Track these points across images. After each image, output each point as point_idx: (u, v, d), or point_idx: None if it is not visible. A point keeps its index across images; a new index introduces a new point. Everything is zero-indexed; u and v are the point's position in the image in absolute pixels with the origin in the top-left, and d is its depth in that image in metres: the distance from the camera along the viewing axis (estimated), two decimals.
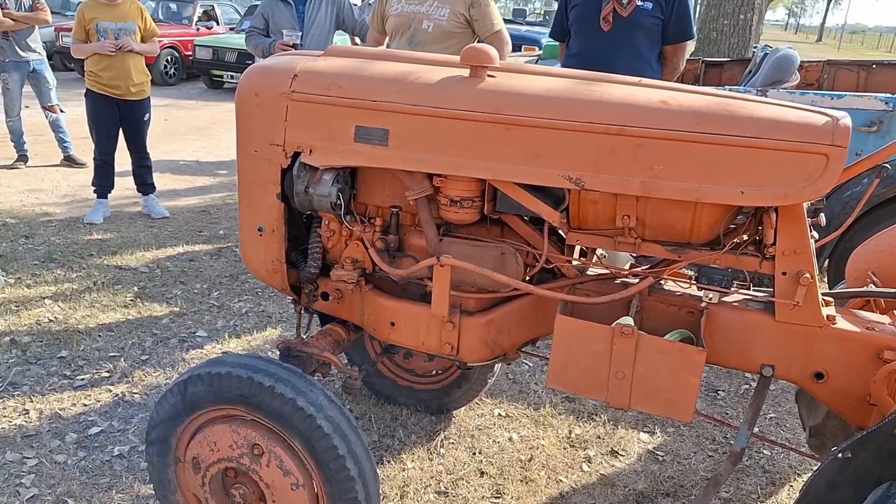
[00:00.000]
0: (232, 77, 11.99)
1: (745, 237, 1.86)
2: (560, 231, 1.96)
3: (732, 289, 1.86)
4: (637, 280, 1.97)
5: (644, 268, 2.03)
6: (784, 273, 1.78)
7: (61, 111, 6.78)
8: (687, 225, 1.81)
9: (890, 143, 1.87)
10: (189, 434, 1.93)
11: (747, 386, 3.33)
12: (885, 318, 1.87)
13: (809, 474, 2.52)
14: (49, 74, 6.55)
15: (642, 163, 1.71)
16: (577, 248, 2.08)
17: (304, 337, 2.35)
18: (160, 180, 6.34)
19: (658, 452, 2.81)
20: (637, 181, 1.72)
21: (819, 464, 2.48)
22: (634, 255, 1.94)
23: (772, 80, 4.36)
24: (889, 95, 4.03)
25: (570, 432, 2.90)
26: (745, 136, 1.66)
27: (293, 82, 1.96)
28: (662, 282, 1.96)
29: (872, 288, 2.04)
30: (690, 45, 3.65)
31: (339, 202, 1.97)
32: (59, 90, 6.97)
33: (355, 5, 4.83)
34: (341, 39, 5.16)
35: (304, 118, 1.97)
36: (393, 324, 2.08)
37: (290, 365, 1.88)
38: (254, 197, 2.10)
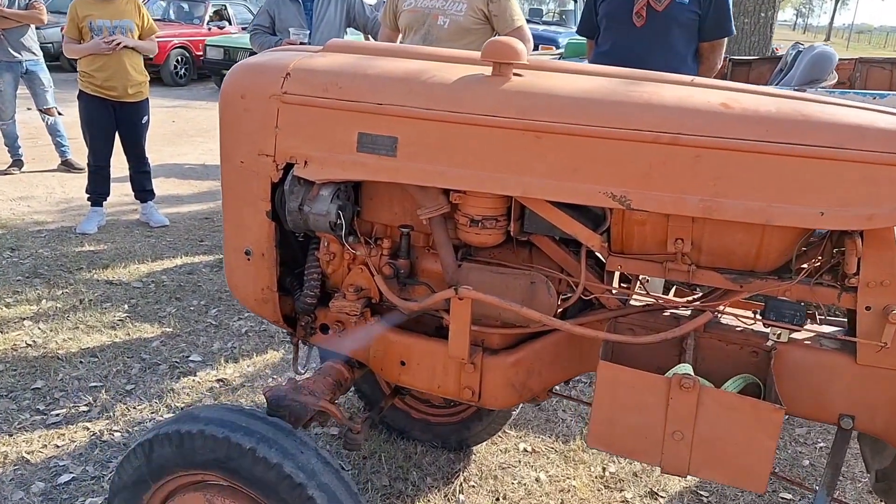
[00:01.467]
0: None
1: (819, 263, 1.57)
2: (599, 255, 1.67)
3: (805, 325, 1.57)
4: (688, 312, 1.69)
5: (696, 297, 1.74)
6: (868, 308, 1.49)
7: (59, 114, 6.56)
8: (752, 250, 1.52)
9: None
10: (158, 502, 1.66)
11: (802, 429, 3.01)
12: None
13: None
14: (45, 76, 6.33)
15: (701, 178, 1.43)
16: (617, 275, 1.79)
17: (299, 377, 2.08)
18: (163, 185, 6.12)
19: (702, 493, 2.52)
20: (694, 200, 1.44)
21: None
22: (684, 283, 1.66)
23: (809, 78, 4.06)
24: None
25: (604, 470, 2.61)
26: (826, 145, 1.37)
27: (285, 82, 1.69)
28: (718, 315, 1.67)
29: None
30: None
31: (339, 222, 1.70)
32: (58, 91, 6.76)
33: (369, 4, 4.55)
34: (354, 38, 4.89)
35: (297, 124, 1.70)
36: (403, 363, 1.81)
37: (278, 419, 1.60)
38: (240, 215, 1.83)
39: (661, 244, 1.56)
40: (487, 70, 1.60)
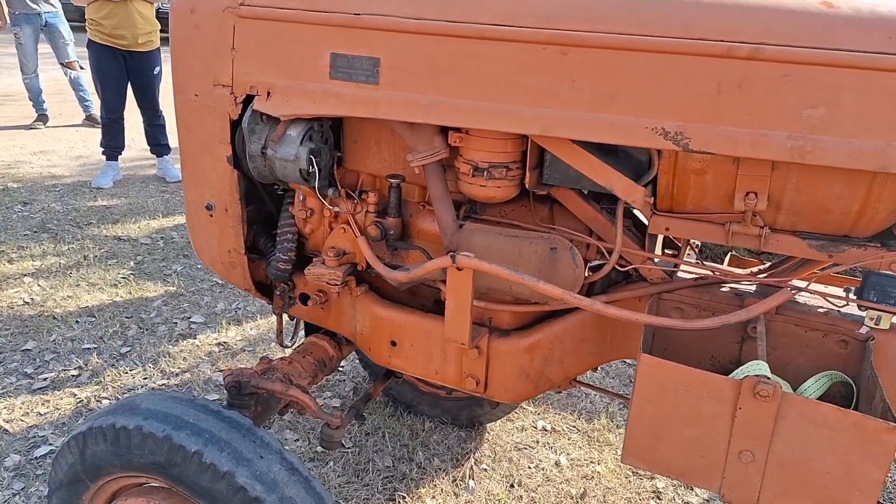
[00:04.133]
0: None
1: None
2: (640, 214, 1.24)
3: None
4: (754, 288, 1.25)
5: (766, 267, 1.30)
6: None
7: (81, 68, 6.20)
8: (852, 208, 1.07)
9: None
10: (102, 502, 1.31)
11: None
12: None
13: None
14: (65, 28, 5.95)
15: (791, 106, 0.98)
16: (660, 239, 1.35)
17: (291, 345, 1.70)
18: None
19: None
20: (781, 137, 0.99)
21: None
22: (752, 251, 1.21)
23: None
24: None
25: None
26: None
27: None
28: (797, 293, 1.23)
29: None
30: None
31: (312, 169, 1.29)
32: (80, 47, 6.39)
33: None
34: None
35: (257, 44, 1.28)
36: (394, 343, 1.40)
37: (235, 412, 1.22)
38: (199, 162, 1.43)
39: (727, 199, 1.11)
40: None
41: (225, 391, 1.36)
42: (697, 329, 1.14)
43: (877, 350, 1.13)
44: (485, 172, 1.20)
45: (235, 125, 1.35)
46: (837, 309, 1.20)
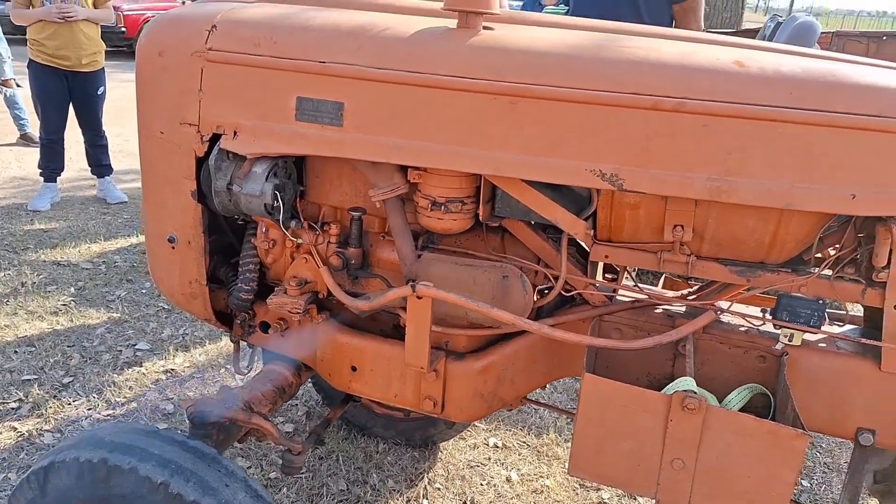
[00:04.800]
0: None
1: (841, 254, 1.29)
2: (582, 243, 1.37)
3: (823, 327, 1.29)
4: (684, 310, 1.40)
5: (692, 291, 1.46)
6: None
7: (17, 86, 6.04)
8: (765, 239, 1.23)
9: None
10: None
11: None
12: None
13: None
14: (2, 46, 5.80)
15: (710, 152, 1.13)
16: (601, 266, 1.49)
17: (247, 373, 1.76)
18: (124, 160, 5.68)
19: None
20: (701, 179, 1.14)
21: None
22: (679, 275, 1.37)
23: None
24: None
25: None
26: (863, 113, 1.08)
27: (210, 36, 1.35)
28: (721, 313, 1.38)
29: None
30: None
31: (276, 204, 1.37)
32: (17, 62, 6.22)
33: None
34: None
35: (225, 86, 1.36)
36: (355, 368, 1.49)
37: (200, 442, 1.28)
38: (162, 196, 1.49)
39: (658, 231, 1.26)
40: (452, 23, 1.27)
41: (172, 419, 1.42)
42: (635, 349, 1.27)
43: (790, 364, 1.30)
44: (442, 207, 1.31)
45: (200, 161, 1.42)
46: (756, 327, 1.36)
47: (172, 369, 2.80)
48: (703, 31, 5.25)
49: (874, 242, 1.20)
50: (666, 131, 1.13)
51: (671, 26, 3.00)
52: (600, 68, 1.15)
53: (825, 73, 1.12)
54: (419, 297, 1.28)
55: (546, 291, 1.40)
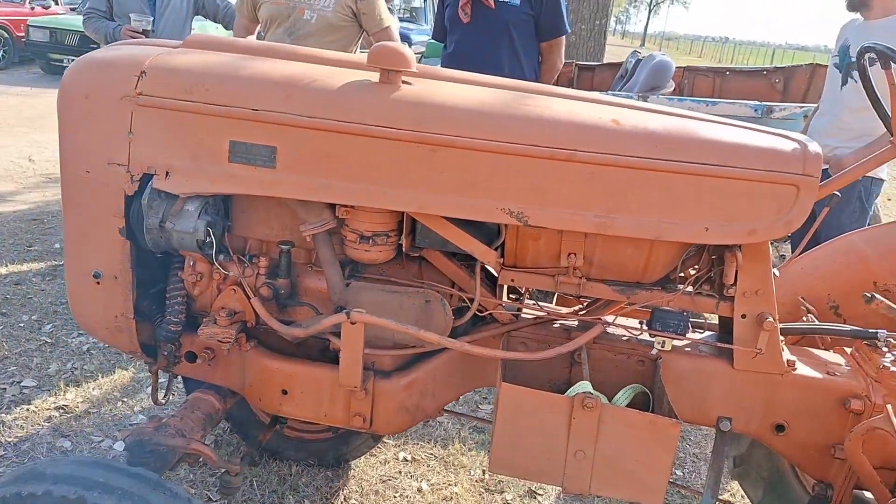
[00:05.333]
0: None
1: (699, 275, 1.58)
2: (491, 269, 1.59)
3: (687, 334, 1.58)
4: (577, 325, 1.65)
5: (580, 308, 1.71)
6: (744, 316, 1.52)
7: None
8: (640, 264, 1.50)
9: (843, 172, 1.69)
10: None
11: None
12: (840, 358, 1.68)
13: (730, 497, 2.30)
14: None
15: (595, 194, 1.38)
16: (506, 288, 1.71)
17: (162, 414, 1.81)
18: None
19: None
20: (589, 216, 1.39)
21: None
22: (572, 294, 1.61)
23: (650, 86, 4.29)
24: (758, 103, 4.07)
25: (484, 472, 2.55)
26: (711, 163, 1.38)
27: (140, 81, 1.44)
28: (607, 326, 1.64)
29: (812, 319, 1.85)
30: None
31: (208, 240, 1.47)
32: None
33: None
34: (200, 26, 4.45)
35: (156, 130, 1.45)
36: (285, 392, 1.61)
37: (140, 469, 1.35)
38: (86, 233, 1.54)
39: (555, 258, 1.50)
40: (374, 76, 1.44)
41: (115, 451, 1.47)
42: (539, 359, 1.50)
43: (663, 366, 1.57)
44: (369, 240, 1.47)
45: (129, 200, 1.49)
46: (636, 337, 1.63)
47: (65, 405, 2.72)
48: (573, 63, 5.73)
49: (724, 265, 1.50)
50: (561, 177, 1.36)
51: (539, 60, 3.35)
52: (506, 123, 1.37)
53: (681, 130, 1.40)
54: (353, 323, 1.43)
55: (462, 313, 1.59)
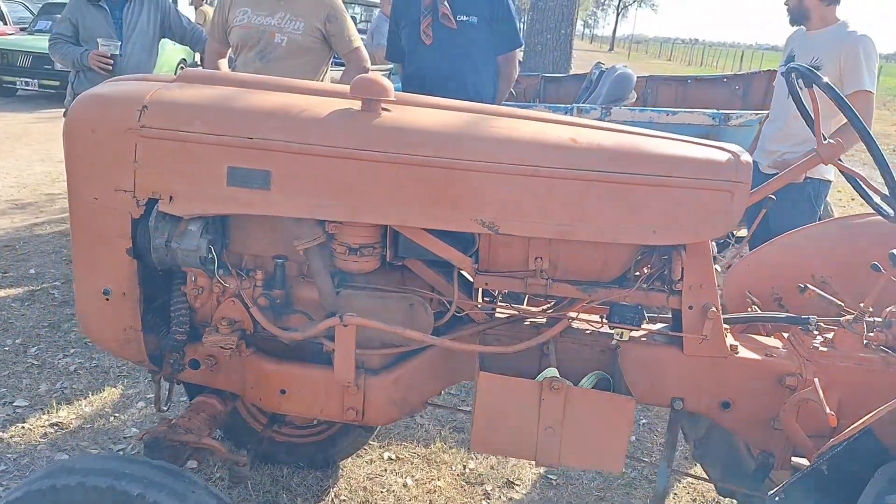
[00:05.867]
0: (27, 84, 10.50)
1: (651, 272, 1.81)
2: (466, 275, 1.79)
3: (643, 325, 1.81)
4: (545, 321, 1.86)
5: (548, 306, 1.92)
6: (690, 307, 1.75)
7: None
8: (598, 264, 1.73)
9: (773, 179, 1.93)
10: None
11: None
12: (778, 342, 1.92)
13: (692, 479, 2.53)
14: None
15: (557, 205, 1.60)
16: (481, 291, 1.92)
17: (167, 412, 1.99)
18: None
19: (550, 476, 2.75)
20: (552, 224, 1.60)
21: (704, 479, 2.55)
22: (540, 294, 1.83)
23: (613, 97, 4.55)
24: (715, 111, 4.36)
25: (465, 467, 2.75)
26: (656, 174, 1.60)
27: (142, 115, 1.62)
28: (572, 321, 1.86)
29: (756, 310, 2.10)
30: (520, 54, 3.74)
31: (210, 256, 1.66)
32: None
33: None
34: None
35: (159, 158, 1.63)
36: (284, 391, 1.80)
37: (162, 461, 1.53)
38: (95, 254, 1.71)
39: (523, 262, 1.71)
40: (357, 105, 1.64)
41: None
42: (512, 352, 1.71)
43: (622, 354, 1.79)
44: (357, 251, 1.67)
45: (135, 222, 1.67)
46: (597, 329, 1.85)
47: (59, 422, 2.85)
48: (539, 76, 5.98)
49: (671, 263, 1.73)
50: (526, 190, 1.58)
51: (496, 72, 3.55)
52: (477, 144, 1.58)
53: (628, 145, 1.63)
54: (345, 325, 1.63)
55: (441, 314, 1.79)
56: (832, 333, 1.83)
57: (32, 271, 4.40)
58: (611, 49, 67.17)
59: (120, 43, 3.90)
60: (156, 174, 1.63)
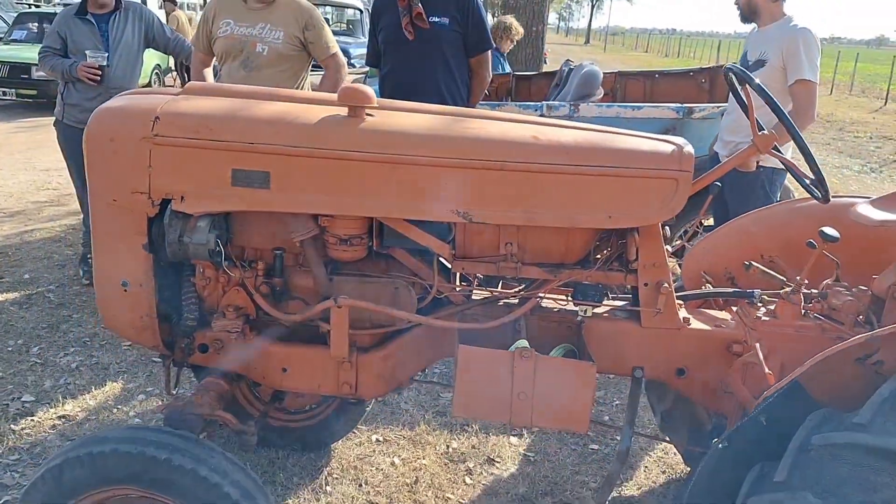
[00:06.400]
0: (4, 94, 10.60)
1: (610, 254, 2.08)
2: (444, 261, 2.05)
3: (604, 302, 2.07)
4: (517, 301, 2.12)
5: (519, 288, 2.19)
6: (646, 284, 2.01)
7: None
8: (562, 248, 1.98)
9: (721, 164, 2.19)
10: None
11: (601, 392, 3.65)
12: (727, 315, 2.20)
13: (662, 454, 2.81)
14: None
15: (522, 195, 1.85)
16: (458, 275, 2.18)
17: (176, 393, 2.22)
18: None
19: (529, 454, 3.01)
20: (519, 212, 1.86)
21: (669, 442, 2.82)
22: (512, 277, 2.08)
23: (581, 94, 4.82)
24: (679, 105, 4.65)
25: (448, 447, 3.01)
26: (609, 165, 1.86)
27: (155, 125, 1.85)
28: (540, 300, 2.12)
29: (710, 288, 2.37)
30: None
31: (217, 249, 1.90)
32: None
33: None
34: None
35: (171, 163, 1.87)
36: (285, 370, 2.04)
37: (182, 431, 1.77)
38: (114, 250, 1.95)
39: (495, 248, 1.97)
40: (343, 111, 1.89)
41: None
42: (488, 328, 1.97)
43: (586, 329, 2.05)
44: (347, 241, 1.92)
45: (150, 220, 1.91)
46: (563, 307, 2.11)
47: (66, 415, 3.07)
48: (511, 74, 6.22)
49: (627, 245, 1.99)
50: (496, 183, 1.83)
51: (469, 75, 3.79)
52: (451, 143, 1.83)
53: (585, 141, 1.89)
54: (339, 307, 1.88)
55: (424, 297, 2.05)
56: (774, 305, 2.10)
57: (27, 276, 4.60)
58: (587, 42, 67.31)
59: (107, 54, 4.12)
60: (168, 177, 1.87)
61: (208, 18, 3.54)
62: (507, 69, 6.45)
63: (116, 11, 4.20)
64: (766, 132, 2.10)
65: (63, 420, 3.03)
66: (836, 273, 2.09)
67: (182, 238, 1.88)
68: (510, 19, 6.39)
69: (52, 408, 3.11)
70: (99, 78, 4.06)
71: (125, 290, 1.96)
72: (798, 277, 2.08)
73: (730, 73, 2.18)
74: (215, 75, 3.72)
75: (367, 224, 1.96)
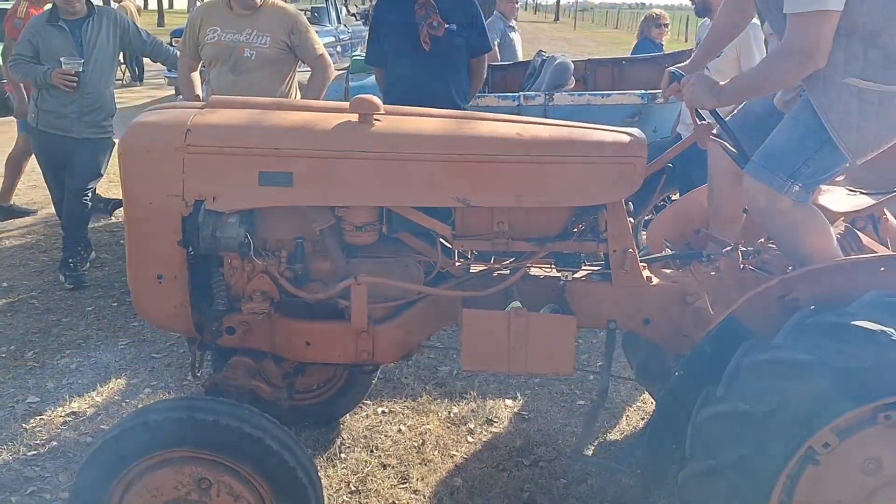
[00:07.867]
0: None
1: (584, 227, 2.56)
2: (444, 241, 2.50)
3: (582, 267, 2.56)
4: (509, 271, 2.59)
5: (511, 260, 2.66)
6: (615, 250, 2.50)
7: None
8: (545, 224, 2.46)
9: (670, 149, 2.69)
10: (121, 489, 2.10)
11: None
12: (683, 273, 2.71)
13: (641, 403, 3.33)
14: None
15: (510, 182, 2.32)
16: (457, 253, 2.64)
17: (199, 375, 2.62)
18: None
19: (524, 412, 3.50)
20: (510, 195, 2.33)
21: (644, 389, 3.34)
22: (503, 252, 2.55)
23: (553, 85, 5.34)
24: (644, 91, 5.19)
25: (450, 412, 3.47)
26: (580, 154, 2.35)
27: (187, 136, 2.24)
28: (529, 269, 2.59)
29: (668, 251, 2.89)
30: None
31: (247, 241, 2.30)
32: None
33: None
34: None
35: (203, 169, 2.26)
36: (308, 343, 2.47)
37: (224, 398, 2.19)
38: (150, 246, 2.33)
39: (490, 226, 2.42)
40: (355, 117, 2.32)
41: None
42: (487, 294, 2.43)
43: (567, 291, 2.52)
44: (362, 228, 2.35)
45: (184, 219, 2.30)
46: (548, 274, 2.59)
47: (74, 412, 3.41)
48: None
49: (598, 219, 2.48)
50: (488, 173, 2.28)
51: (468, 73, 4.24)
52: (450, 142, 2.28)
53: (560, 135, 2.36)
54: (359, 284, 2.31)
55: (431, 272, 2.50)
56: (719, 262, 2.62)
57: (5, 284, 4.85)
58: (556, 19, 67.87)
59: (82, 60, 4.40)
60: (200, 181, 2.26)
61: (195, 26, 3.88)
62: None
63: (90, 17, 4.48)
64: (705, 122, 2.61)
65: (73, 416, 3.36)
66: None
67: (215, 233, 2.27)
68: None
69: (59, 406, 3.43)
70: (74, 84, 4.34)
71: (160, 283, 2.34)
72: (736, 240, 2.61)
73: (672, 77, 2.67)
74: (203, 79, 4.06)
75: (378, 212, 2.39)
